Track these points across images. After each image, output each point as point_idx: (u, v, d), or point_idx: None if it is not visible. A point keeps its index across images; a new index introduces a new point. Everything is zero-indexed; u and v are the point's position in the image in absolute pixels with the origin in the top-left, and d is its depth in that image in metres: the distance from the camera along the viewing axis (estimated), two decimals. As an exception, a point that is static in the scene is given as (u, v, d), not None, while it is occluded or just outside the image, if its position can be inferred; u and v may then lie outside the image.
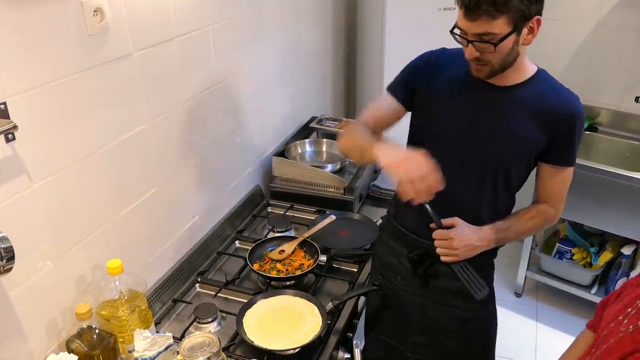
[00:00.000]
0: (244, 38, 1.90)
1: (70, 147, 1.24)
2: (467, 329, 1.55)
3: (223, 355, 1.29)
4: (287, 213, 2.06)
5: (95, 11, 1.22)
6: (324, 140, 2.35)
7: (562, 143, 1.39)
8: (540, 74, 1.41)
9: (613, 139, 2.83)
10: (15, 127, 1.06)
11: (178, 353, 1.25)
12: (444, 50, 1.52)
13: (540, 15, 1.28)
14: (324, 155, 2.32)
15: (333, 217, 1.87)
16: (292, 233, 1.93)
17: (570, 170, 1.45)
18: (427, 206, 1.39)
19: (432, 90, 1.47)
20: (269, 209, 2.13)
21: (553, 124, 1.37)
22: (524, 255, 2.90)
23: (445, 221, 1.43)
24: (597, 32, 2.76)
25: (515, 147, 1.40)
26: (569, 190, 1.50)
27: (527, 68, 1.39)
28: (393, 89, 1.55)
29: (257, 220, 2.05)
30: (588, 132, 2.85)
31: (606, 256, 2.74)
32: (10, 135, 1.08)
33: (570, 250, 2.83)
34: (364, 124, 1.53)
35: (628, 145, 2.79)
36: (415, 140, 1.54)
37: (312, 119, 2.53)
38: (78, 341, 1.24)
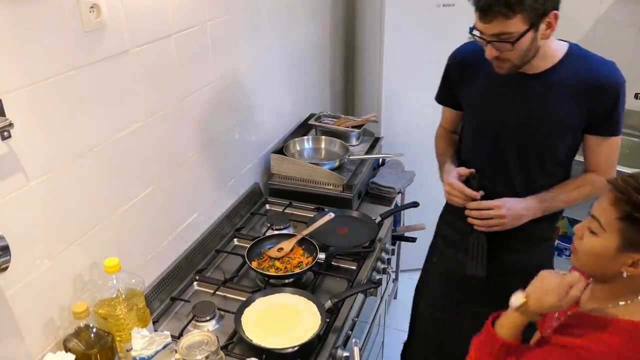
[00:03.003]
0: (242, 35, 1.89)
1: (67, 144, 1.23)
2: None
3: (221, 353, 1.28)
4: (285, 210, 2.05)
5: (91, 7, 1.21)
6: (323, 137, 2.35)
7: (605, 115, 1.42)
8: (572, 52, 1.44)
9: (612, 135, 2.82)
10: (10, 124, 1.05)
11: (176, 352, 1.24)
12: (471, 45, 1.57)
13: (557, 9, 1.32)
14: (323, 152, 2.31)
15: (332, 214, 1.86)
16: (290, 231, 1.92)
17: (616, 139, 1.48)
18: (477, 177, 1.55)
19: (469, 89, 1.56)
20: (268, 207, 2.12)
21: (593, 99, 1.40)
22: (523, 253, 2.90)
23: (487, 203, 1.53)
24: (597, 28, 2.75)
25: (555, 129, 1.46)
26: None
27: (556, 52, 1.43)
28: (438, 97, 1.74)
29: (256, 217, 2.04)
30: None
31: (605, 253, 2.74)
32: (5, 133, 1.06)
33: (569, 247, 2.83)
34: (443, 129, 1.80)
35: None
36: (465, 132, 1.67)
37: (311, 116, 2.52)
38: (75, 340, 1.24)
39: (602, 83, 1.40)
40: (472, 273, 1.57)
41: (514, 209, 1.50)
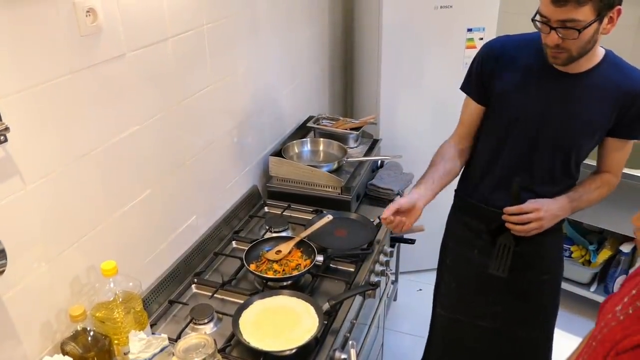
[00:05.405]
0: (239, 38, 1.89)
1: (64, 148, 1.24)
2: (542, 290, 1.65)
3: (219, 356, 1.28)
4: (284, 213, 2.06)
5: (87, 11, 1.22)
6: (321, 139, 2.35)
7: (631, 120, 1.47)
8: (608, 57, 1.47)
9: (611, 136, 2.82)
10: (7, 128, 1.05)
11: (173, 354, 1.24)
12: (505, 39, 1.59)
13: (621, 5, 1.33)
14: (321, 154, 2.31)
15: (330, 216, 1.87)
16: (289, 233, 1.92)
17: (632, 143, 1.53)
18: (518, 182, 1.54)
19: (504, 81, 1.54)
20: (266, 209, 2.12)
21: (622, 105, 1.44)
22: (522, 254, 2.89)
23: (527, 206, 1.54)
24: (595, 29, 2.75)
25: (587, 131, 1.49)
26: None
27: (598, 55, 1.46)
28: (466, 88, 1.66)
29: (254, 220, 2.04)
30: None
31: (605, 254, 2.74)
32: (2, 137, 1.06)
33: (569, 248, 2.83)
34: (453, 142, 1.71)
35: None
36: (488, 130, 1.63)
37: (309, 118, 2.52)
38: (72, 343, 1.24)
39: (632, 90, 1.44)
40: (494, 273, 1.58)
41: (550, 210, 1.52)
